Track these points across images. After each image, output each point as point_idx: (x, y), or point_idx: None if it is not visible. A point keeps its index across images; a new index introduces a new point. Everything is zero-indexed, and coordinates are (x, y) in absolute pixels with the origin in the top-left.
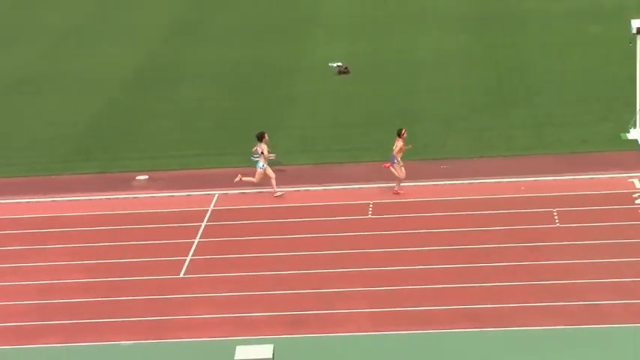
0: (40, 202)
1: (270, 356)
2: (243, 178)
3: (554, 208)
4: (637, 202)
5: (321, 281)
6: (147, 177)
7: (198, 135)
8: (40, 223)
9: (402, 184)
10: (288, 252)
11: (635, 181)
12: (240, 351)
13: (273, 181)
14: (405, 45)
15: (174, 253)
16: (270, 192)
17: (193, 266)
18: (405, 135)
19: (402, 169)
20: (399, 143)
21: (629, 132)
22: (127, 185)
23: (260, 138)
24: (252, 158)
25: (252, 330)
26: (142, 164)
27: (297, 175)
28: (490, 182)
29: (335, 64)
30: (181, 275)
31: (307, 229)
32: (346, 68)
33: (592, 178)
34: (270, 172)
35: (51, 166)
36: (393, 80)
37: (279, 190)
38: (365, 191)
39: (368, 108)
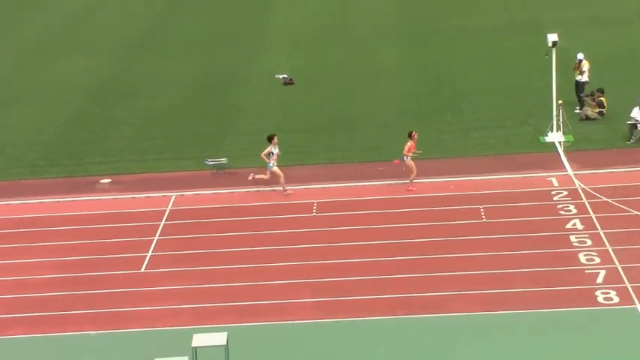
0: (10, 204)
1: (225, 343)
2: (256, 176)
3: (480, 205)
4: (555, 199)
5: (271, 274)
6: (110, 180)
7: (156, 141)
8: (10, 224)
9: (414, 181)
10: (239, 247)
11: (553, 179)
12: (197, 338)
13: (282, 180)
14: (344, 58)
15: (135, 249)
16: (219, 193)
17: (153, 262)
18: (415, 136)
19: (413, 166)
20: (408, 144)
21: (546, 135)
22: (91, 188)
23: (270, 139)
24: (207, 162)
25: (208, 319)
26: (105, 168)
27: (247, 178)
28: (423, 182)
29: (281, 76)
30: (142, 270)
31: (257, 226)
32: (291, 79)
33: (514, 177)
34: (278, 171)
35: (20, 172)
36: (335, 90)
37: (289, 189)
38: (310, 191)
39: (312, 115)
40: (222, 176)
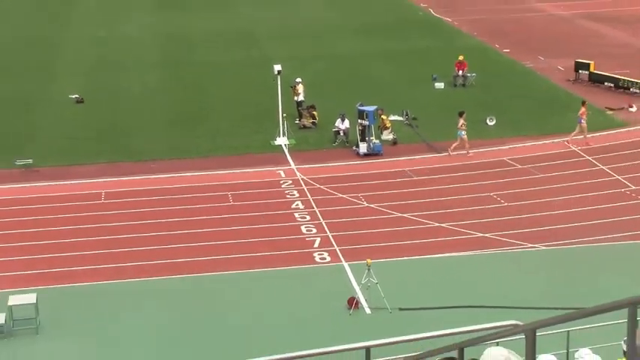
0: None
1: (35, 301)
2: (453, 145)
3: (229, 192)
4: (283, 186)
5: (70, 247)
6: None
7: None
8: None
9: None
10: (43, 228)
11: (281, 172)
12: (12, 298)
13: (467, 145)
14: (121, 82)
15: None
16: (27, 186)
17: None
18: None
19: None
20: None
21: (275, 140)
22: None
23: (460, 115)
24: (16, 162)
25: (21, 284)
26: None
27: (49, 174)
28: (186, 175)
29: (74, 96)
30: None
31: (58, 211)
32: (82, 98)
33: (253, 171)
34: (465, 138)
35: None
36: (114, 106)
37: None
38: (98, 184)
39: (98, 125)
40: (29, 174)
